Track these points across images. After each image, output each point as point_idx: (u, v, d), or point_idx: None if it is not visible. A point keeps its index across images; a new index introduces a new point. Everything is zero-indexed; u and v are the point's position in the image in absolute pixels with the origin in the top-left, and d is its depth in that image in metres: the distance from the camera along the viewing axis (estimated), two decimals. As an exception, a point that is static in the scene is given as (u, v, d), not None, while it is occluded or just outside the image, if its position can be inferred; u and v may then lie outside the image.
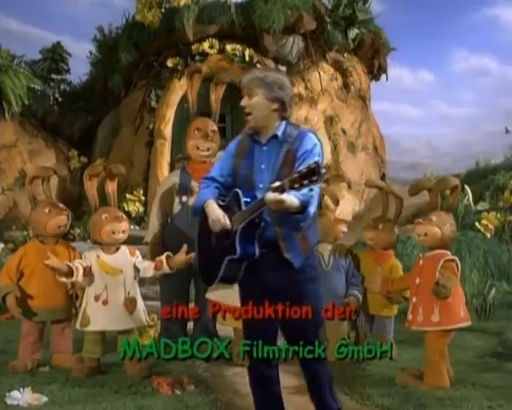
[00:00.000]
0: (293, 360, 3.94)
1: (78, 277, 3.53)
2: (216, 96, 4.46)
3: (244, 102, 2.56)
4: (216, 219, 2.47)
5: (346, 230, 4.14)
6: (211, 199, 2.54)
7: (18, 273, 3.82)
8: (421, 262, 3.57)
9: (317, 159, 2.37)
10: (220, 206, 2.53)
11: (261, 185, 2.49)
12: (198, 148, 4.28)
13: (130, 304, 3.66)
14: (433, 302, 3.37)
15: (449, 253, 3.49)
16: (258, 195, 2.44)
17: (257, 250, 2.45)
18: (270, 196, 2.27)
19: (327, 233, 4.05)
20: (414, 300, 3.52)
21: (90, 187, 3.76)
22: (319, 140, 2.57)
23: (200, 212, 2.57)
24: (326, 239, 4.08)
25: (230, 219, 2.47)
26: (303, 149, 2.49)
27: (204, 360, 3.94)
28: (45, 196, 3.99)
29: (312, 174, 2.17)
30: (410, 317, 3.53)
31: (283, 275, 2.53)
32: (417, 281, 3.52)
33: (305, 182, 2.19)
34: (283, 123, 2.58)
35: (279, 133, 2.55)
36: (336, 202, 4.22)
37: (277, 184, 2.27)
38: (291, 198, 2.31)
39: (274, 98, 2.53)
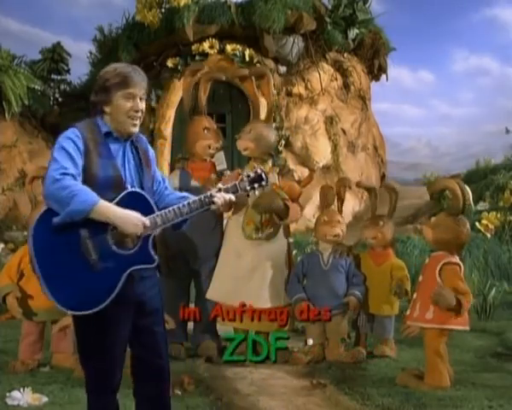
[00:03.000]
0: (294, 361, 3.98)
1: None
2: (204, 92, 4.45)
3: (140, 106, 2.25)
4: (137, 220, 2.13)
5: (336, 231, 4.12)
6: (101, 200, 2.11)
7: (18, 273, 3.83)
8: (427, 260, 3.62)
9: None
10: None
11: (129, 186, 2.24)
12: (210, 147, 4.30)
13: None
14: (430, 300, 3.41)
15: (451, 255, 3.49)
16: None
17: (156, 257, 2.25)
18: (226, 196, 2.29)
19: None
20: (414, 296, 3.57)
21: None
22: None
23: (85, 213, 2.08)
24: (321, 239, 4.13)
25: None
26: (151, 152, 2.40)
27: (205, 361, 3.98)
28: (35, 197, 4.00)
29: (261, 179, 2.37)
30: (408, 312, 3.59)
31: (158, 290, 2.39)
32: (420, 279, 3.58)
33: (256, 185, 2.36)
34: None
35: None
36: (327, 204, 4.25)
37: (229, 185, 2.33)
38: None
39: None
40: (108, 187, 2.17)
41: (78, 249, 2.11)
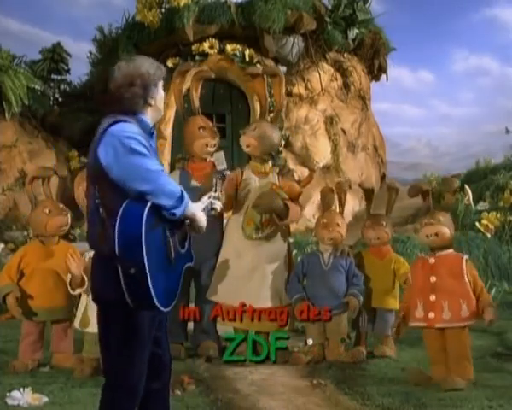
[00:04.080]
0: (294, 361, 3.97)
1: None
2: (196, 91, 4.46)
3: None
4: (204, 220, 2.29)
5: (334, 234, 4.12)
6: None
7: (18, 273, 3.83)
8: (432, 261, 3.59)
9: None
10: None
11: None
12: (207, 145, 4.31)
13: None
14: (460, 298, 3.46)
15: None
16: None
17: None
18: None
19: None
20: (433, 298, 3.50)
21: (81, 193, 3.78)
22: None
23: (187, 209, 2.19)
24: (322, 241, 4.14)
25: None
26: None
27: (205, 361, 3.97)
28: (45, 197, 3.99)
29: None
30: (431, 315, 3.49)
31: None
32: (433, 279, 3.54)
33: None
34: None
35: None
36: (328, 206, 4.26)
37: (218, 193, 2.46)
38: None
39: None
40: None
41: (164, 248, 2.14)
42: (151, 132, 2.28)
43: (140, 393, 2.21)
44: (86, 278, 3.57)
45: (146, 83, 2.23)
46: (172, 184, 2.13)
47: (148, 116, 2.27)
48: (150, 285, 2.01)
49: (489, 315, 3.43)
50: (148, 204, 2.05)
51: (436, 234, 3.56)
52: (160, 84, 2.31)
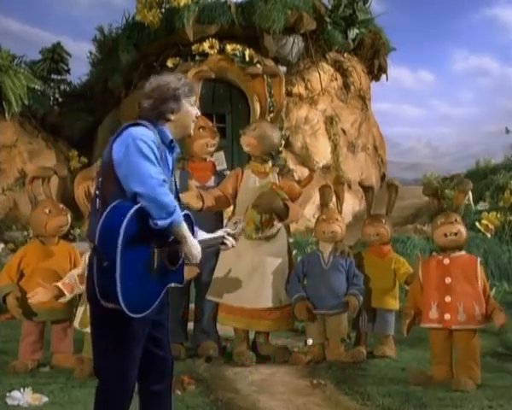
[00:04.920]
0: (294, 361, 3.98)
1: (74, 290, 3.63)
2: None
3: (199, 112, 2.43)
4: (199, 250, 2.25)
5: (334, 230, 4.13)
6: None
7: (18, 273, 3.83)
8: (446, 261, 3.59)
9: None
10: None
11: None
12: (207, 145, 4.33)
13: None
14: (473, 301, 3.48)
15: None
16: None
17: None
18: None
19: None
20: (448, 299, 3.50)
21: (81, 193, 3.79)
22: None
23: (177, 227, 2.16)
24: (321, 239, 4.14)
25: None
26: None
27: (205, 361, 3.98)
28: (45, 197, 3.99)
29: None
30: (447, 316, 3.49)
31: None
32: (448, 280, 3.54)
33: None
34: None
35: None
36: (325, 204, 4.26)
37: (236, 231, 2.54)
38: None
39: None
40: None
41: (147, 256, 2.12)
42: (172, 146, 2.32)
43: (130, 392, 2.21)
44: (72, 284, 3.61)
45: (164, 97, 2.29)
46: (169, 198, 2.11)
47: (169, 130, 2.31)
48: (118, 283, 2.01)
49: (500, 319, 3.43)
50: (137, 206, 2.07)
51: (456, 233, 3.59)
52: (186, 100, 2.32)
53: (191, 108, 2.35)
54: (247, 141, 4.18)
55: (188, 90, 2.34)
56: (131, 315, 2.07)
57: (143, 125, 2.22)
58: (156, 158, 2.15)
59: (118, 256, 2.01)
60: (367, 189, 4.48)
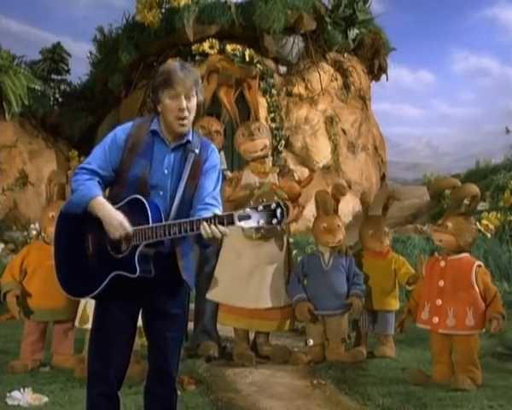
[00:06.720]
0: (294, 361, 3.97)
1: None
2: (228, 97, 4.48)
3: (184, 104, 2.19)
4: (118, 223, 2.11)
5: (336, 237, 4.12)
6: (101, 196, 2.17)
7: (21, 272, 3.84)
8: (442, 264, 3.56)
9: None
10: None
11: (161, 192, 2.21)
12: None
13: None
14: (466, 306, 3.41)
15: (473, 257, 3.59)
16: (158, 202, 2.18)
17: (153, 269, 2.16)
18: (221, 228, 2.01)
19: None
20: (439, 302, 3.47)
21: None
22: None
23: (83, 207, 2.16)
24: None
25: None
26: (210, 163, 2.29)
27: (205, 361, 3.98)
28: (47, 198, 4.01)
29: (273, 216, 1.94)
30: (435, 320, 3.47)
31: (172, 296, 2.32)
32: (441, 283, 3.50)
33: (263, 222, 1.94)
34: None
35: (190, 139, 2.29)
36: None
37: (226, 214, 2.02)
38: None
39: (200, 101, 2.28)
40: (132, 186, 2.21)
41: (83, 240, 2.22)
42: (161, 138, 2.25)
43: (104, 382, 2.24)
44: None
45: (152, 88, 2.29)
46: (76, 183, 2.20)
47: (161, 121, 2.26)
48: (54, 261, 2.27)
49: (495, 329, 3.38)
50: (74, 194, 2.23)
51: (440, 240, 3.56)
52: (164, 92, 2.19)
53: (169, 102, 2.19)
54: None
55: (162, 80, 2.19)
56: (65, 293, 2.25)
57: (141, 118, 2.36)
58: (115, 144, 2.24)
59: (55, 237, 2.29)
60: (364, 204, 4.43)
